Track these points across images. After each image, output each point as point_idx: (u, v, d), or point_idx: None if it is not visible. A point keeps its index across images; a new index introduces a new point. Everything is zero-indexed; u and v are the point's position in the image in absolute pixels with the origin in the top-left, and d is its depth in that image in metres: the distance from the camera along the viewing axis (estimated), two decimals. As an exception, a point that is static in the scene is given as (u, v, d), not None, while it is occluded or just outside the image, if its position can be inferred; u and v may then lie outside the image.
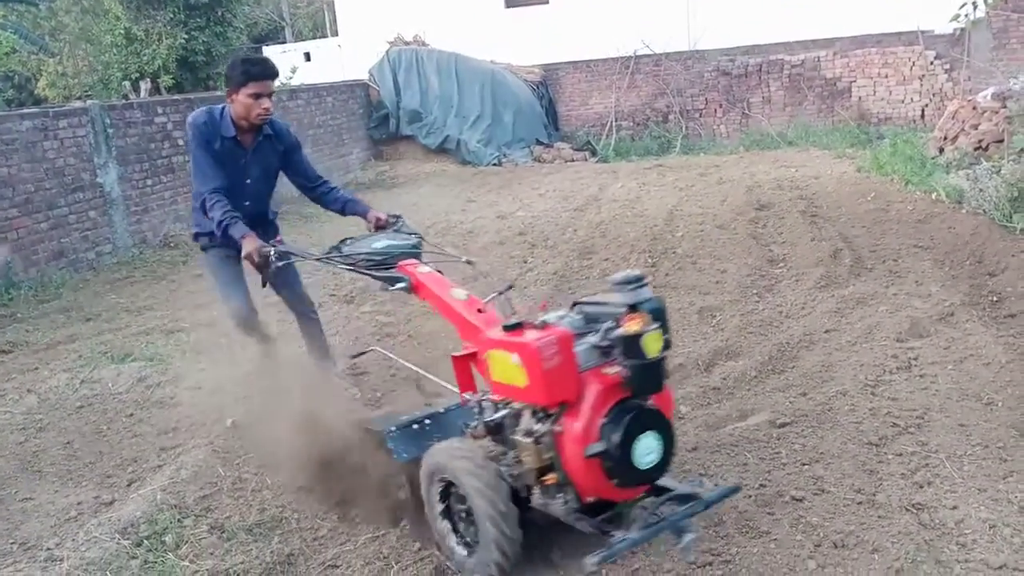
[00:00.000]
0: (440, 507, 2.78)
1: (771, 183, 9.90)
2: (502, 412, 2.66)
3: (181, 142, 9.58)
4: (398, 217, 3.72)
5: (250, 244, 3.51)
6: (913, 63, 13.56)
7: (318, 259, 3.55)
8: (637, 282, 2.40)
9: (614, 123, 15.10)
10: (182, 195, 9.51)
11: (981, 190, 7.26)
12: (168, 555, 3.00)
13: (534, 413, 2.54)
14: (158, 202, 9.37)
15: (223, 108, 3.78)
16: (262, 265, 3.54)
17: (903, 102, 13.76)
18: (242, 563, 2.89)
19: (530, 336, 2.42)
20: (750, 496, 3.16)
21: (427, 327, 5.44)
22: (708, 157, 13.18)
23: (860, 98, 13.98)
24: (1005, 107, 8.99)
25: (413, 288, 3.20)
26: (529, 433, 2.51)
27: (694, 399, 4.17)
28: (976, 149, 9.01)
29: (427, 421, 3.10)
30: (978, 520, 2.87)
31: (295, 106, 12.49)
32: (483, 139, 14.22)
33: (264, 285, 3.76)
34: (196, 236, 4.04)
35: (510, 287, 3.10)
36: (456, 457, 2.64)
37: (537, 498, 2.58)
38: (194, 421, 4.19)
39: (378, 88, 14.84)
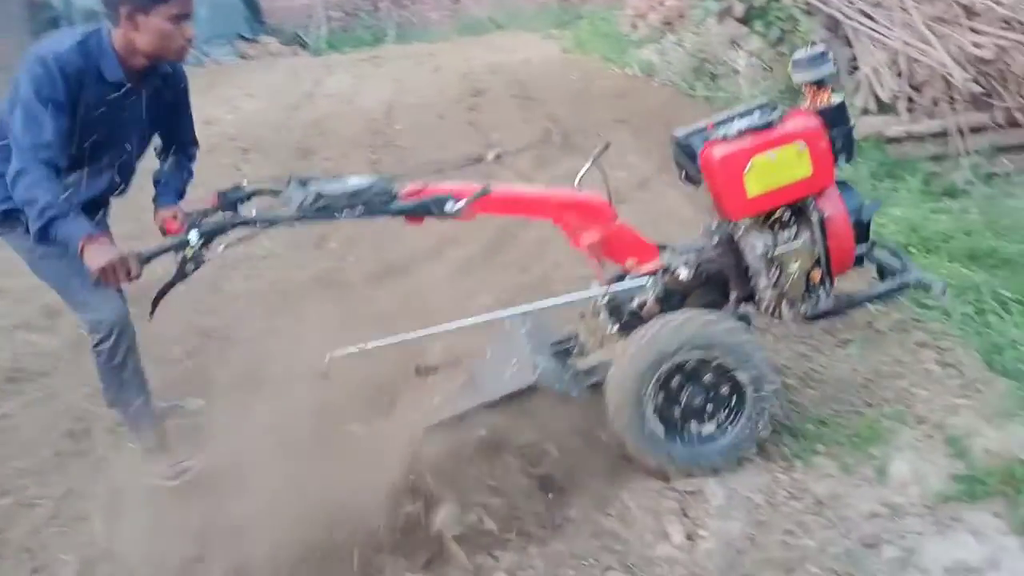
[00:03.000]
0: (655, 405, 2.39)
1: (484, 69, 10.02)
2: (724, 240, 2.54)
3: None
4: (238, 188, 2.45)
5: (104, 252, 2.24)
6: (604, -57, 14.15)
7: (298, 218, 2.30)
8: (823, 58, 2.49)
9: (323, 13, 14.33)
10: None
11: (668, 63, 7.88)
12: None
13: (770, 222, 2.48)
14: None
15: (98, 37, 2.43)
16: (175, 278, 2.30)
17: (599, -18, 14.40)
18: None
19: (803, 120, 2.39)
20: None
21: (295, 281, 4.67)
22: (423, 45, 13.02)
23: (561, -21, 14.40)
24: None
25: (478, 205, 2.42)
26: (788, 240, 2.45)
27: (424, 289, 4.22)
28: (664, 24, 9.70)
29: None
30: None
31: (-68, 8, 10.42)
32: (178, 38, 12.88)
33: (152, 314, 2.44)
34: (6, 215, 2.49)
35: (607, 146, 2.64)
36: (711, 323, 2.35)
37: (792, 310, 2.50)
38: None
39: (40, -17, 12.78)
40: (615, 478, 2.52)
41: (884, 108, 5.19)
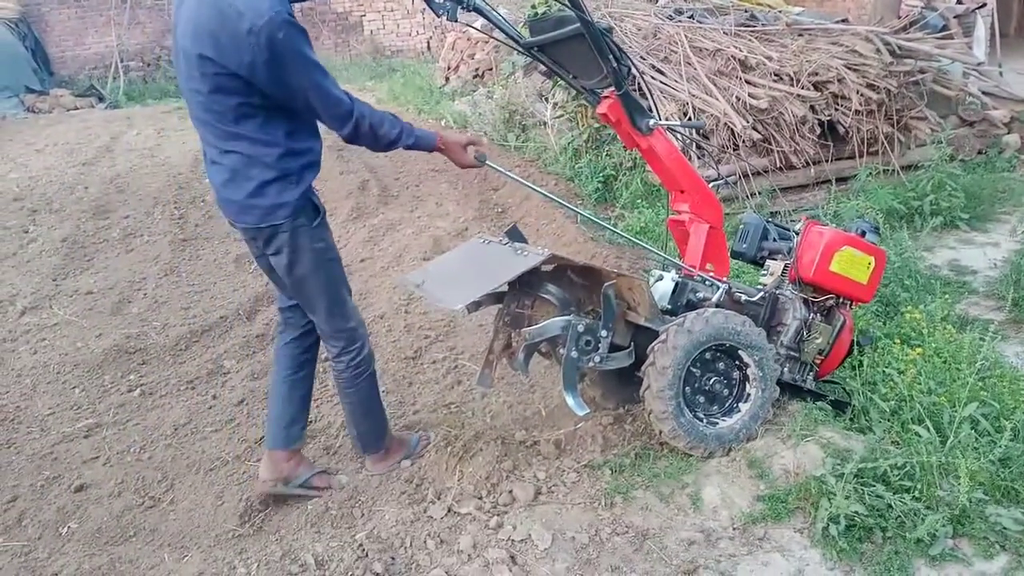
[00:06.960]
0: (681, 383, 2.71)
1: (298, 120, 9.84)
2: (772, 295, 3.01)
3: None
4: None
5: (460, 135, 2.67)
6: (414, -4, 14.45)
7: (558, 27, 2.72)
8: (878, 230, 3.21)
9: (119, 64, 13.58)
10: None
11: (480, 114, 8.08)
12: None
13: (809, 303, 3.04)
14: None
15: None
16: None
17: (410, 35, 14.64)
18: None
19: (880, 248, 3.07)
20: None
21: None
22: (232, 97, 12.60)
23: (372, 32, 14.52)
24: (494, 36, 10.06)
25: (657, 137, 2.86)
26: (820, 320, 3.04)
27: (238, 351, 4.02)
28: (474, 77, 9.97)
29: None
30: (500, 403, 3.27)
31: None
32: (-47, 90, 11.73)
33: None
34: (301, 202, 2.49)
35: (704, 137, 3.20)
36: (748, 324, 2.77)
37: (789, 373, 3.01)
38: None
39: None
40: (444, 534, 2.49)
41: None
